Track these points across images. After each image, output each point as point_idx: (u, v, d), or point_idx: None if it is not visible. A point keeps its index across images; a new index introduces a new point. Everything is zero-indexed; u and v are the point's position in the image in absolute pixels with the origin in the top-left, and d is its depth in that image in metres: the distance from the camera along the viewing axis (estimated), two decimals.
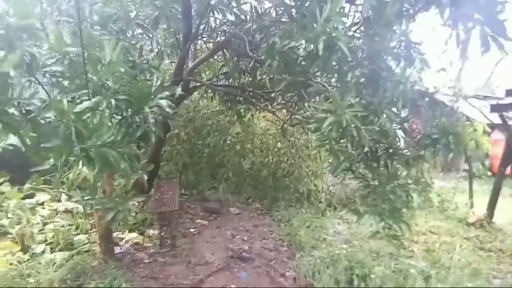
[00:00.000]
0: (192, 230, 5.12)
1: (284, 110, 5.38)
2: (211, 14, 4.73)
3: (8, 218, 4.60)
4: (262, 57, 3.73)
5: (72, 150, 2.19)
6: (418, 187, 2.76)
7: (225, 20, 4.78)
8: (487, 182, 9.64)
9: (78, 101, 2.61)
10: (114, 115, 2.47)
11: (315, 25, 2.32)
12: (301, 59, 2.91)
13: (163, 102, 2.36)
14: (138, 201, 4.24)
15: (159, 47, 5.07)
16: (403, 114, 2.87)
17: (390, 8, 2.58)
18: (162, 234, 4.40)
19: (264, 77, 5.21)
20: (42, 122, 2.48)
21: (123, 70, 2.45)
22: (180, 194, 6.02)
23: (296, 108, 4.51)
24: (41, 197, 5.37)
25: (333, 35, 2.25)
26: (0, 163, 5.36)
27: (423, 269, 3.97)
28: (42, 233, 4.32)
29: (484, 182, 9.79)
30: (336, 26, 2.26)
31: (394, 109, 2.68)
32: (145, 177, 2.77)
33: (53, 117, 2.42)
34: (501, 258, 4.90)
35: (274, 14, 3.80)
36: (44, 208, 5.06)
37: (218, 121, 7.18)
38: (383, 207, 2.68)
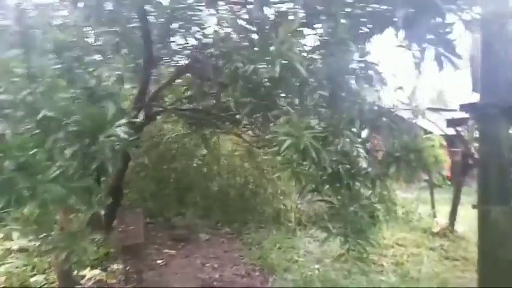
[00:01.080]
0: (159, 261, 4.90)
1: (250, 132, 5.38)
2: (172, 39, 4.70)
3: None
4: (226, 81, 3.74)
5: (18, 189, 2.04)
6: (382, 205, 2.80)
7: (187, 44, 4.76)
8: (446, 191, 10.06)
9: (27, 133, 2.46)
10: (66, 147, 2.34)
11: (271, 48, 2.35)
12: (265, 81, 2.93)
13: (120, 131, 2.25)
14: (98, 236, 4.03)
15: (119, 72, 4.95)
16: (364, 133, 2.93)
17: (346, 31, 2.67)
18: (127, 268, 4.17)
19: (228, 99, 5.21)
20: None
21: (65, 96, 2.35)
22: (146, 223, 5.78)
23: (261, 130, 4.52)
24: None
25: (288, 56, 2.28)
26: None
27: (393, 284, 4.01)
28: None
29: (444, 191, 10.20)
30: (289, 47, 2.29)
31: (354, 129, 2.73)
32: (102, 212, 2.62)
33: None
34: (466, 266, 5.07)
35: (235, 37, 3.83)
36: None
37: (183, 144, 7.05)
38: (347, 229, 2.69)
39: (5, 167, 1.87)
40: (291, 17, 2.69)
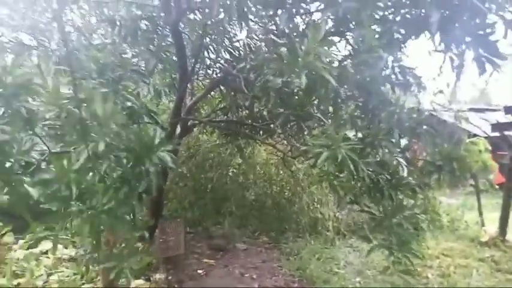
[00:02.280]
0: (199, 271, 4.99)
1: (284, 141, 5.38)
2: (205, 54, 4.82)
3: (12, 270, 4.51)
4: (258, 94, 3.78)
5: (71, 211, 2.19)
6: (427, 216, 2.69)
7: (219, 58, 4.87)
8: (494, 196, 9.48)
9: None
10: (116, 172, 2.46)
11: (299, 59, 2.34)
12: (297, 92, 2.93)
13: (167, 157, 2.35)
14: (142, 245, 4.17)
15: (156, 87, 5.15)
16: (403, 142, 2.84)
17: (376, 38, 2.61)
18: (169, 278, 4.29)
19: (261, 108, 5.26)
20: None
21: (116, 125, 2.46)
22: (186, 233, 5.92)
23: (295, 140, 4.51)
24: (45, 245, 5.28)
25: (315, 67, 2.25)
26: (2, 213, 5.33)
27: None
28: (46, 285, 4.23)
29: (492, 196, 9.62)
30: (316, 57, 2.27)
31: (393, 139, 2.66)
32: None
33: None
34: None
35: (265, 49, 3.87)
36: (48, 257, 4.97)
37: (219, 154, 7.17)
38: (391, 240, 2.61)
39: (61, 189, 2.00)
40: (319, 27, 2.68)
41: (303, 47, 2.24)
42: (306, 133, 4.29)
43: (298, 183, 6.71)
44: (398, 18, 2.81)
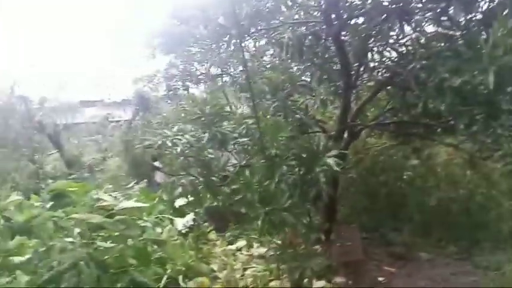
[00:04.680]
0: (380, 278, 4.86)
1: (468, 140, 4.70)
2: (369, 56, 4.73)
3: (216, 263, 5.46)
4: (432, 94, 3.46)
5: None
6: None
7: (384, 58, 4.69)
8: None
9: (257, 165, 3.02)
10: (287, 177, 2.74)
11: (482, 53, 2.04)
12: (480, 90, 2.57)
13: (331, 161, 2.47)
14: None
15: (321, 97, 5.35)
16: None
17: None
18: (350, 283, 4.35)
19: (435, 106, 4.75)
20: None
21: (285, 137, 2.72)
22: (361, 238, 5.87)
23: (484, 137, 3.89)
24: (239, 243, 6.18)
25: (505, 61, 1.91)
26: (208, 215, 6.54)
27: None
28: (242, 279, 4.93)
29: None
30: (506, 50, 1.92)
31: None
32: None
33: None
34: None
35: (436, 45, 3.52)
36: (242, 254, 5.80)
37: (390, 157, 6.82)
38: None
39: (249, 199, 2.38)
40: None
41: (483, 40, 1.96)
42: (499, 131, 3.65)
43: (492, 187, 5.72)
44: None
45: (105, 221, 3.01)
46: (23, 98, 12.48)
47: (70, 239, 3.30)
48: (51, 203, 4.16)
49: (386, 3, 3.59)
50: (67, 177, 10.02)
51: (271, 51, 5.96)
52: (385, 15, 3.16)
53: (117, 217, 3.11)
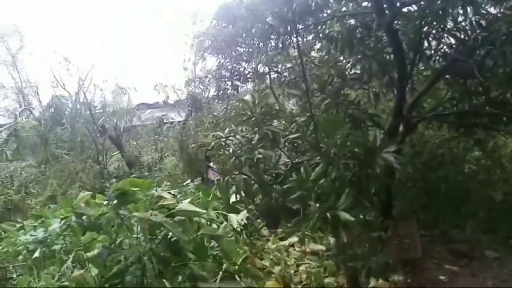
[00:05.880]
0: (441, 277, 4.62)
1: None
2: (425, 44, 4.49)
3: (269, 259, 5.52)
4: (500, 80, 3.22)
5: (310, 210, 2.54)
6: None
7: (442, 45, 4.43)
8: None
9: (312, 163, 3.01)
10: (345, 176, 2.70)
11: None
12: None
13: (390, 158, 2.39)
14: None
15: (374, 90, 5.17)
16: None
17: None
18: (408, 281, 4.19)
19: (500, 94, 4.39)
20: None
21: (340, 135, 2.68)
22: (420, 235, 5.61)
23: None
24: (292, 239, 6.19)
25: None
26: (260, 213, 6.64)
27: None
28: (296, 275, 4.95)
29: None
30: None
31: None
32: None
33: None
34: None
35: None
36: (295, 250, 5.81)
37: (450, 150, 6.41)
38: None
39: (303, 197, 2.39)
40: None
41: None
42: None
43: None
44: None
45: (165, 220, 3.18)
46: (87, 104, 13.50)
47: (134, 235, 3.53)
48: (115, 201, 4.48)
49: None
50: (128, 176, 10.70)
51: (317, 46, 5.89)
52: None
53: (177, 218, 3.27)
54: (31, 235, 5.15)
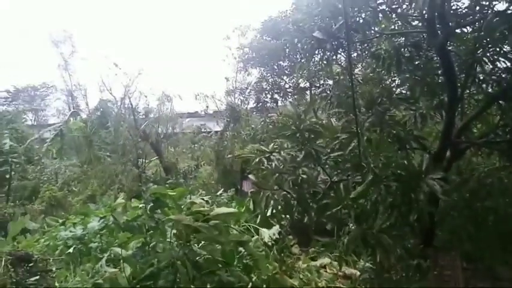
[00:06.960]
0: None
1: None
2: (477, 68, 4.28)
3: (299, 278, 5.38)
4: None
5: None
6: None
7: (496, 69, 4.20)
8: None
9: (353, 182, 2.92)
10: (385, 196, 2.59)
11: None
12: None
13: (436, 185, 2.27)
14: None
15: (421, 111, 4.97)
16: None
17: None
18: None
19: None
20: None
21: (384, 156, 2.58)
22: (462, 268, 5.23)
23: None
24: (323, 260, 6.01)
25: None
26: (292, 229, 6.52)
27: None
28: None
29: None
30: None
31: None
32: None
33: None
34: None
35: None
36: (326, 271, 5.63)
37: (500, 179, 5.99)
38: None
39: (340, 215, 2.31)
40: None
41: None
42: None
43: None
44: None
45: (201, 224, 3.19)
46: (131, 109, 14.08)
47: (167, 239, 3.59)
48: (151, 204, 4.60)
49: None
50: (165, 181, 10.96)
51: (362, 64, 5.79)
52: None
53: (212, 222, 3.28)
54: (70, 231, 5.40)
